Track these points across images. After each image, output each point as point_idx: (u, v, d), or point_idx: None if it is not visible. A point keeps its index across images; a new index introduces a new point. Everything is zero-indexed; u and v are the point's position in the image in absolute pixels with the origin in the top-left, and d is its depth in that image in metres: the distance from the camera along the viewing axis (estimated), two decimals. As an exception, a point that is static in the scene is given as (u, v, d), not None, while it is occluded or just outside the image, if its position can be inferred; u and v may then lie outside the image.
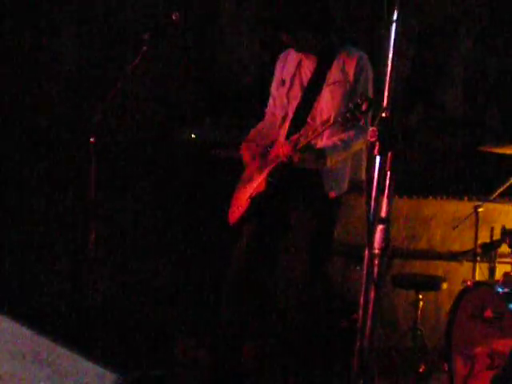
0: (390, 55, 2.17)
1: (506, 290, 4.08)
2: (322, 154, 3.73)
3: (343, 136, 3.82)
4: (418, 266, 5.44)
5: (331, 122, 3.59)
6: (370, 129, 2.07)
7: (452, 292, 4.88)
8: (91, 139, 3.76)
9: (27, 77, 5.34)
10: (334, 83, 3.81)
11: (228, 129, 5.11)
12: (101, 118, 3.76)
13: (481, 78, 6.11)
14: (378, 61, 5.63)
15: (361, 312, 2.17)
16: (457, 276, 5.20)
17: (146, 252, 5.31)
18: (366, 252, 2.11)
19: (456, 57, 6.12)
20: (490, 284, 4.38)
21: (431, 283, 5.02)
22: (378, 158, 2.09)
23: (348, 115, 3.50)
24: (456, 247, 5.30)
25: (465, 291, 4.45)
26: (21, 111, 5.33)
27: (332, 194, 3.92)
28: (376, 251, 2.08)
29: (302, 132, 3.78)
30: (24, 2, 5.32)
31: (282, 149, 3.78)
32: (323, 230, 3.96)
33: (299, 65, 4.01)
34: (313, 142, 3.75)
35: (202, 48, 5.47)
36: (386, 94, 2.14)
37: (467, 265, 4.99)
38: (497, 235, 4.74)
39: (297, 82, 3.99)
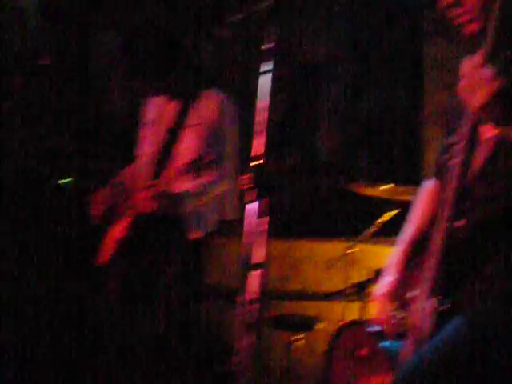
0: (265, 103, 2.20)
1: (377, 328, 4.17)
2: (179, 199, 3.74)
3: (204, 180, 3.81)
4: (292, 307, 5.50)
5: (186, 166, 3.62)
6: (245, 176, 2.09)
7: (327, 332, 4.95)
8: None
9: None
10: (195, 125, 3.82)
11: (99, 173, 5.05)
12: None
13: (352, 121, 6.28)
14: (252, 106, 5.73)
15: (237, 357, 2.16)
16: (330, 316, 5.28)
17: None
18: (241, 297, 2.11)
19: (328, 100, 6.27)
20: (362, 323, 4.47)
21: (306, 324, 5.08)
22: (253, 204, 2.11)
23: (197, 164, 3.56)
24: (329, 287, 5.38)
25: (339, 331, 4.52)
26: None
27: (194, 235, 3.89)
28: (251, 297, 2.09)
29: (161, 177, 3.78)
30: None
31: (140, 196, 3.77)
32: (188, 273, 3.91)
33: (163, 107, 4.01)
34: (171, 186, 3.75)
35: (73, 92, 5.40)
36: (260, 141, 2.16)
37: (340, 305, 5.08)
38: (368, 275, 4.86)
39: (160, 124, 3.99)
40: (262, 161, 2.13)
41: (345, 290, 4.93)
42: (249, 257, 2.10)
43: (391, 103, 6.17)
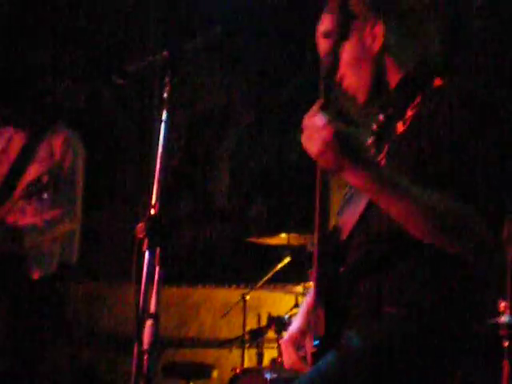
0: (159, 152, 2.22)
1: (274, 375, 4.20)
2: (18, 233, 3.63)
3: (46, 216, 3.73)
4: (188, 354, 5.48)
5: (16, 197, 3.54)
6: (139, 224, 2.09)
7: (222, 380, 4.95)
8: None
9: None
10: (40, 161, 3.74)
11: None
12: None
13: (247, 170, 6.35)
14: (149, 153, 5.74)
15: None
16: (227, 363, 5.28)
17: None
18: (135, 348, 2.10)
19: (223, 148, 6.34)
20: (258, 370, 4.48)
21: (201, 371, 5.07)
22: (146, 253, 2.11)
23: (30, 189, 3.48)
24: (225, 334, 5.40)
25: (234, 378, 4.52)
26: None
27: (35, 275, 3.74)
28: (145, 347, 2.08)
29: (0, 209, 3.63)
30: None
31: None
32: (28, 316, 3.71)
33: (9, 140, 3.93)
34: (13, 219, 3.65)
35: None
36: (154, 189, 2.18)
37: (236, 352, 5.09)
38: (263, 322, 4.89)
39: (5, 158, 3.90)
40: (154, 209, 2.14)
41: (241, 336, 4.95)
42: (143, 306, 2.10)
43: (286, 150, 6.28)
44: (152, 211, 2.12)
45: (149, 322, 2.09)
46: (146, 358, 2.09)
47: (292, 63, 6.16)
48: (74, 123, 4.41)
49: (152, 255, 2.11)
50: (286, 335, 2.45)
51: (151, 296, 2.12)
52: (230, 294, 5.39)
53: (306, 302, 2.51)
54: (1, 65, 3.98)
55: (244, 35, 5.98)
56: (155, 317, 2.08)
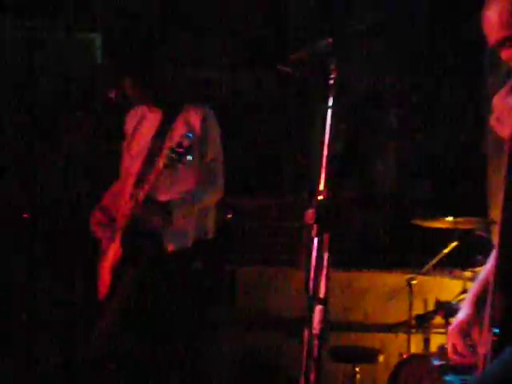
0: (326, 137, 2.23)
1: (441, 362, 4.13)
2: (166, 207, 3.64)
3: (192, 190, 3.74)
4: (353, 339, 5.47)
5: (160, 167, 3.52)
6: (309, 211, 2.12)
7: (388, 364, 4.92)
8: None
9: None
10: (178, 134, 3.68)
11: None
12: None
13: (412, 151, 6.27)
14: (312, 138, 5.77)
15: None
16: (392, 348, 5.25)
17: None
18: (306, 332, 2.13)
19: (386, 130, 6.28)
20: (425, 356, 4.43)
21: (367, 356, 5.05)
22: (315, 239, 2.13)
23: (172, 155, 3.45)
24: (391, 319, 5.35)
25: (401, 364, 4.49)
26: None
27: (170, 248, 3.76)
28: (315, 331, 2.11)
29: (145, 183, 3.64)
30: None
31: (124, 207, 3.72)
32: (166, 288, 3.74)
33: (142, 119, 3.96)
34: (155, 195, 3.64)
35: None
36: (322, 175, 2.19)
37: (402, 337, 5.04)
38: (430, 307, 4.82)
39: (139, 136, 3.93)
40: (323, 196, 2.16)
41: (407, 321, 4.90)
42: (313, 291, 2.13)
43: (453, 134, 6.14)
44: (320, 197, 2.14)
45: (318, 308, 2.11)
46: (316, 342, 2.11)
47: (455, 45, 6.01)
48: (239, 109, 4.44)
49: (320, 241, 2.13)
50: (453, 321, 2.40)
51: (320, 281, 2.14)
52: (395, 279, 5.34)
53: (474, 288, 2.45)
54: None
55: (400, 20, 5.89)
56: (325, 302, 2.10)
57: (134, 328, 3.78)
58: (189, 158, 3.46)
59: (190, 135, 3.51)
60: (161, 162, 3.51)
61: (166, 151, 3.52)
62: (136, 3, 5.78)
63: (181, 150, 3.44)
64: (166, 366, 3.79)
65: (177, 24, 5.87)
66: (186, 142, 3.45)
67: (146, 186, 3.60)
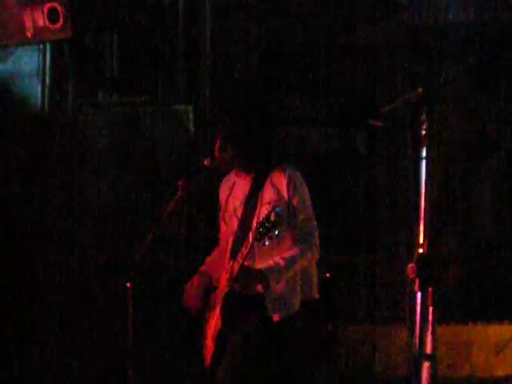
0: (423, 190, 2.20)
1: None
2: (262, 276, 3.60)
3: (286, 254, 3.68)
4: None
5: (250, 241, 3.53)
6: (409, 265, 2.08)
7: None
8: (128, 284, 3.81)
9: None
10: (269, 203, 3.67)
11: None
12: (138, 264, 3.82)
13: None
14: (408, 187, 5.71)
15: None
16: (503, 403, 5.08)
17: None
18: (414, 389, 2.08)
19: (483, 175, 6.17)
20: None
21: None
22: (418, 294, 2.09)
23: (261, 230, 3.47)
24: (500, 372, 5.19)
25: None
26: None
27: (276, 317, 3.69)
28: (424, 388, 2.05)
29: (240, 253, 3.64)
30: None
31: (223, 279, 3.72)
32: (270, 358, 3.68)
33: (234, 186, 3.95)
34: (250, 264, 3.63)
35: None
36: (421, 228, 2.16)
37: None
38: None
39: (231, 204, 3.92)
40: (424, 249, 2.12)
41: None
42: (419, 347, 2.08)
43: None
44: (421, 250, 2.10)
45: (426, 364, 2.06)
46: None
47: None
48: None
49: (424, 295, 2.09)
50: None
51: (425, 336, 2.09)
52: (502, 330, 5.19)
53: None
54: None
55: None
56: (432, 358, 2.05)
57: None
58: (276, 232, 3.52)
59: (278, 209, 3.55)
60: (251, 237, 3.58)
61: (255, 225, 3.57)
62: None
63: (269, 224, 3.51)
64: None
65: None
66: (273, 217, 3.50)
67: (239, 259, 3.66)
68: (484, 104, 6.05)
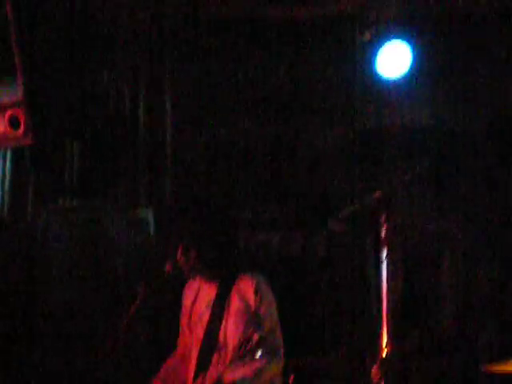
0: (384, 292, 2.23)
1: None
2: None
3: (255, 364, 3.63)
4: None
5: (227, 361, 3.56)
6: (373, 369, 2.08)
7: None
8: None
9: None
10: (235, 313, 3.67)
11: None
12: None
13: (474, 293, 6.16)
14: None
15: None
16: None
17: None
18: None
19: (444, 272, 6.20)
20: None
21: None
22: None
23: (243, 350, 3.50)
24: None
25: None
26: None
27: None
28: None
29: (210, 367, 3.66)
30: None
31: None
32: None
33: (199, 290, 3.91)
34: (223, 375, 3.59)
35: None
36: (383, 331, 2.17)
37: None
38: None
39: (197, 309, 3.88)
40: (386, 351, 2.13)
41: None
42: None
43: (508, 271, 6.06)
44: (384, 353, 2.10)
45: None
46: None
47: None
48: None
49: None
50: None
51: None
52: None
53: None
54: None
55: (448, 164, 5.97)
56: None
57: None
58: (258, 354, 3.53)
59: (261, 330, 3.56)
60: (228, 358, 3.57)
61: (232, 347, 3.57)
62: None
63: (250, 345, 3.52)
64: None
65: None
66: (255, 337, 3.52)
67: (215, 369, 3.64)
68: (444, 204, 6.14)
